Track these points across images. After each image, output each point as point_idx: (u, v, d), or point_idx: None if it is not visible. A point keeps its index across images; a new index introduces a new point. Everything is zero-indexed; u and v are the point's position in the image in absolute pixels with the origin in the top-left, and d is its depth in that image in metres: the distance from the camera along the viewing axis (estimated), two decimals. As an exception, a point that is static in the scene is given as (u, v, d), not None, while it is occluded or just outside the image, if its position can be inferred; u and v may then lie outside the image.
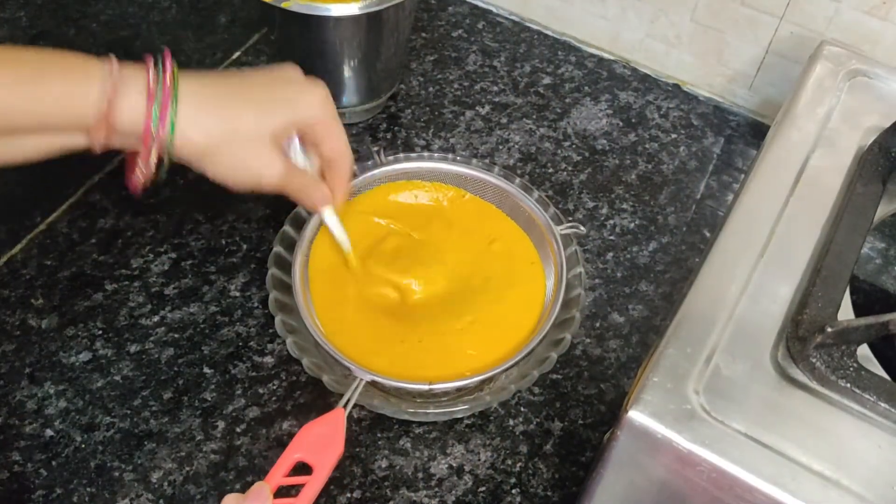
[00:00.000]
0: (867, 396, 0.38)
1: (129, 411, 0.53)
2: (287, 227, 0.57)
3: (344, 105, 0.69)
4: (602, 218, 0.66)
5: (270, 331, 0.57)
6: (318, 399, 0.54)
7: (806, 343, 0.39)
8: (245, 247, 0.62)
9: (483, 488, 0.52)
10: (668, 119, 0.74)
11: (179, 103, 0.43)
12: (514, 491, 0.52)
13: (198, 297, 0.59)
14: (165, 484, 0.51)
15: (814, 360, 0.39)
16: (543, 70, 0.77)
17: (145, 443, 0.52)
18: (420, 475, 0.52)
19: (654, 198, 0.68)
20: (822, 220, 0.47)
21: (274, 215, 0.63)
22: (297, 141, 0.49)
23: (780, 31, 0.69)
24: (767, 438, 0.37)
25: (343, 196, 0.52)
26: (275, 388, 0.55)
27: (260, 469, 0.51)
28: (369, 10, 0.61)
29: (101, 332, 0.57)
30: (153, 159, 0.44)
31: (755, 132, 0.74)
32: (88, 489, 0.50)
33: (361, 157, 0.65)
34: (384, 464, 0.52)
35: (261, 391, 0.55)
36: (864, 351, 0.41)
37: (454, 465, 0.52)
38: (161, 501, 0.50)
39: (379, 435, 0.53)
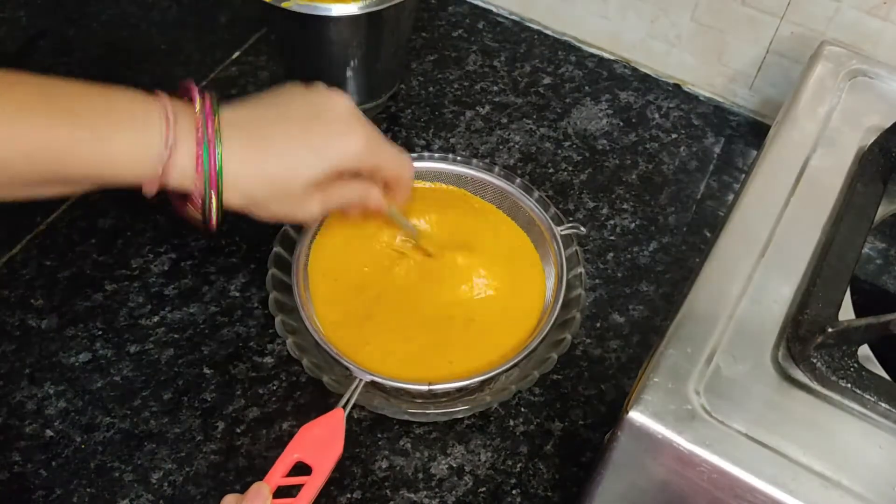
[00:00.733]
0: (868, 397, 0.38)
1: (128, 412, 0.53)
2: (287, 227, 0.57)
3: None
4: (602, 218, 0.66)
5: (270, 331, 0.57)
6: (318, 399, 0.54)
7: (807, 343, 0.39)
8: (245, 247, 0.62)
9: (483, 489, 0.52)
10: (669, 119, 0.74)
11: (225, 156, 0.42)
12: (514, 491, 0.52)
13: (198, 298, 0.59)
14: (165, 484, 0.50)
15: (814, 361, 0.39)
16: (544, 70, 0.77)
17: (145, 443, 0.52)
18: (420, 476, 0.52)
19: (654, 198, 0.68)
20: (822, 221, 0.47)
21: (274, 215, 0.63)
22: None
23: (780, 30, 0.69)
24: (768, 439, 0.37)
25: (405, 198, 0.52)
26: (275, 388, 0.55)
27: (260, 469, 0.51)
28: (369, 9, 0.61)
29: (100, 332, 0.57)
30: (211, 204, 0.43)
31: (756, 132, 0.73)
32: (88, 490, 0.50)
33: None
34: (384, 464, 0.52)
35: (261, 391, 0.55)
36: (864, 351, 0.41)
37: (454, 465, 0.52)
38: (161, 502, 0.50)
39: (379, 435, 0.53)
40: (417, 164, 0.60)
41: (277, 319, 0.52)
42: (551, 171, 0.69)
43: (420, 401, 0.51)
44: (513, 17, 0.82)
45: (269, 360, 0.56)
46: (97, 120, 0.39)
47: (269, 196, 0.45)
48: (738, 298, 0.42)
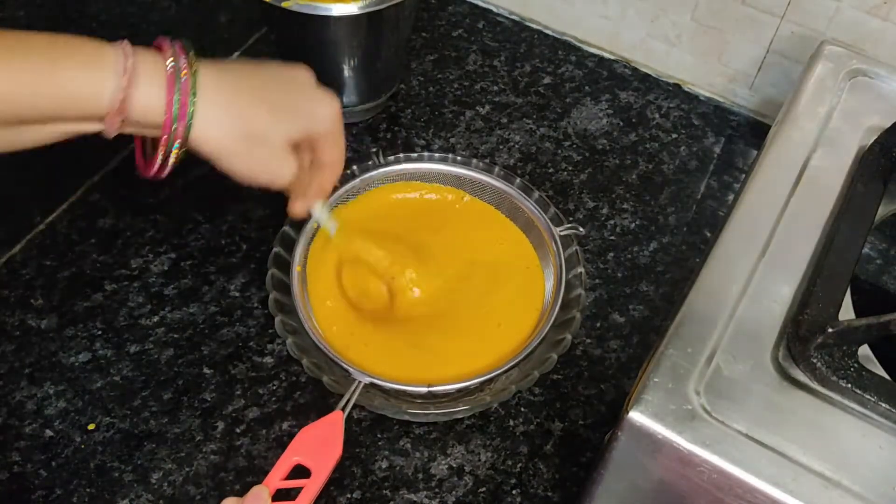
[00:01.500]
0: (868, 397, 0.38)
1: (128, 412, 0.53)
2: (287, 228, 0.57)
3: (344, 105, 0.69)
4: (602, 218, 0.66)
5: (270, 331, 0.57)
6: (317, 399, 0.54)
7: (807, 343, 0.39)
8: (245, 247, 0.62)
9: (483, 489, 0.52)
10: (669, 119, 0.74)
11: (198, 97, 0.43)
12: (514, 492, 0.52)
13: (197, 298, 0.59)
14: (165, 484, 0.50)
15: (815, 361, 0.39)
16: (544, 70, 0.77)
17: (145, 443, 0.52)
18: (420, 476, 0.52)
19: (654, 198, 0.68)
20: (822, 220, 0.47)
21: (274, 215, 0.63)
22: None
23: (780, 30, 0.69)
24: (768, 439, 0.37)
25: (324, 195, 0.53)
26: (274, 388, 0.55)
27: (259, 469, 0.51)
28: (369, 9, 0.61)
29: (100, 332, 0.57)
30: (172, 150, 0.43)
31: (756, 132, 0.73)
32: (88, 490, 0.50)
33: (361, 158, 0.64)
34: (384, 464, 0.52)
35: (260, 392, 0.55)
36: (864, 351, 0.41)
37: (454, 465, 0.52)
38: (161, 502, 0.50)
39: (379, 435, 0.53)
40: (417, 166, 0.60)
41: (277, 319, 0.52)
42: (551, 170, 0.69)
43: (420, 401, 0.51)
44: (513, 17, 0.82)
45: (268, 360, 0.56)
46: (52, 55, 0.40)
47: (245, 148, 0.45)
48: (739, 298, 0.42)
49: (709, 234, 0.66)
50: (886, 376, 0.40)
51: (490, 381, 0.51)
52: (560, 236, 0.56)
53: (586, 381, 0.57)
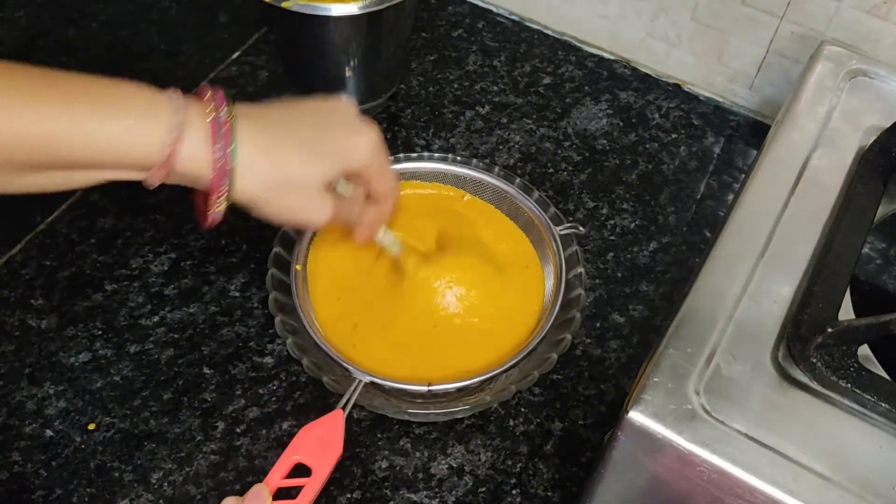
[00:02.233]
0: (868, 397, 0.38)
1: (128, 412, 0.53)
2: (287, 228, 0.57)
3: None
4: (602, 218, 0.66)
5: (270, 331, 0.57)
6: (317, 399, 0.54)
7: (806, 343, 0.39)
8: (245, 247, 0.62)
9: (483, 489, 0.52)
10: (669, 119, 0.74)
11: (238, 149, 0.42)
12: (514, 491, 0.52)
13: (197, 298, 0.59)
14: (165, 484, 0.50)
15: (814, 361, 0.39)
16: (544, 70, 0.77)
17: (145, 443, 0.52)
18: (420, 476, 0.52)
19: (654, 198, 0.68)
20: (822, 220, 0.47)
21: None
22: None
23: (780, 30, 0.69)
24: (768, 439, 0.37)
25: (383, 223, 0.52)
26: (275, 388, 0.55)
27: (260, 469, 0.51)
28: (369, 9, 0.61)
29: (100, 332, 0.57)
30: (220, 204, 0.42)
31: (756, 132, 0.73)
32: (88, 490, 0.50)
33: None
34: (384, 464, 0.52)
35: (261, 391, 0.55)
36: (864, 351, 0.41)
37: (454, 465, 0.52)
38: (161, 502, 0.50)
39: (379, 435, 0.53)
40: (417, 165, 0.60)
41: (277, 319, 0.52)
42: (551, 170, 0.69)
43: (420, 401, 0.51)
44: (513, 17, 0.82)
45: (268, 360, 0.56)
46: (98, 100, 0.39)
47: (278, 195, 0.44)
48: (738, 298, 0.42)
49: (708, 234, 0.66)
50: (886, 376, 0.40)
51: (490, 380, 0.51)
52: (560, 236, 0.56)
53: (586, 381, 0.57)
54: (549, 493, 0.52)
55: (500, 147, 0.70)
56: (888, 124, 0.50)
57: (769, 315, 0.42)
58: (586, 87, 0.76)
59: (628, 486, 0.41)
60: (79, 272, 0.60)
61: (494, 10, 0.82)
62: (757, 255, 0.44)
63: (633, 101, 0.75)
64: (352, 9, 0.60)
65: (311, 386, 0.55)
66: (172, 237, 0.62)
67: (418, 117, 0.72)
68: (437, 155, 0.61)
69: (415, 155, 0.61)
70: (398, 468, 0.52)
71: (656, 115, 0.74)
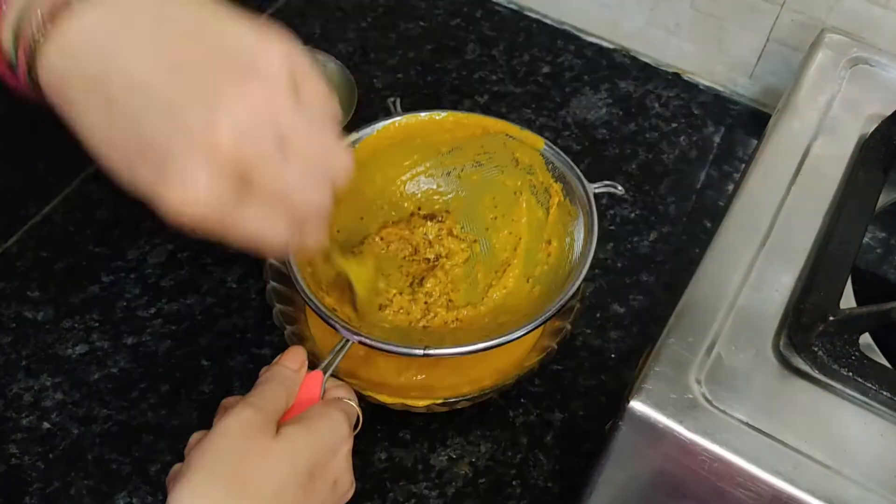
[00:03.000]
0: (869, 385, 0.38)
1: (126, 404, 0.53)
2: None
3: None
4: (602, 208, 0.66)
5: (268, 322, 0.57)
6: (316, 390, 0.54)
7: (808, 332, 0.39)
8: (242, 238, 0.62)
9: (483, 480, 0.51)
10: (669, 108, 0.74)
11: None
12: (514, 482, 0.51)
13: (195, 289, 0.59)
14: (163, 477, 0.50)
15: (816, 349, 0.39)
16: (542, 59, 0.77)
17: (143, 435, 0.52)
18: (420, 467, 0.52)
19: (654, 187, 0.68)
20: (823, 209, 0.46)
21: (271, 206, 0.63)
22: None
23: (780, 18, 0.68)
24: (769, 428, 0.37)
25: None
26: (273, 379, 0.55)
27: (258, 461, 0.51)
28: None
29: (97, 324, 0.57)
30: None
31: (756, 121, 0.73)
32: (86, 482, 0.50)
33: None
34: (384, 455, 0.52)
35: (259, 383, 0.54)
36: (865, 339, 0.41)
37: (454, 456, 0.52)
38: (159, 494, 0.50)
39: (378, 426, 0.53)
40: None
41: (275, 310, 0.52)
42: (550, 160, 0.69)
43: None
44: (511, 6, 0.81)
45: (267, 351, 0.56)
46: None
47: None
48: (740, 287, 0.42)
49: (709, 224, 0.65)
50: (888, 364, 0.40)
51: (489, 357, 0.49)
52: (594, 194, 0.53)
53: (586, 372, 0.56)
54: (550, 484, 0.52)
55: (499, 137, 0.70)
56: (889, 112, 0.50)
57: (770, 304, 0.42)
58: (586, 77, 0.75)
59: (629, 475, 0.41)
60: (75, 264, 0.59)
61: (493, -1, 0.81)
62: (758, 245, 0.44)
63: (632, 90, 0.75)
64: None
65: (310, 377, 0.55)
66: (169, 228, 0.62)
67: (417, 108, 0.72)
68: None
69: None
70: (398, 459, 0.52)
71: (656, 105, 0.74)
